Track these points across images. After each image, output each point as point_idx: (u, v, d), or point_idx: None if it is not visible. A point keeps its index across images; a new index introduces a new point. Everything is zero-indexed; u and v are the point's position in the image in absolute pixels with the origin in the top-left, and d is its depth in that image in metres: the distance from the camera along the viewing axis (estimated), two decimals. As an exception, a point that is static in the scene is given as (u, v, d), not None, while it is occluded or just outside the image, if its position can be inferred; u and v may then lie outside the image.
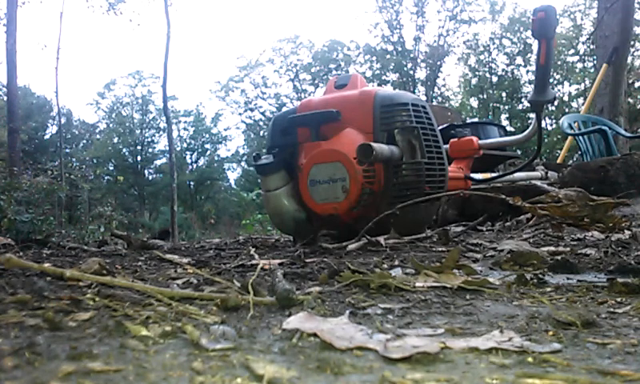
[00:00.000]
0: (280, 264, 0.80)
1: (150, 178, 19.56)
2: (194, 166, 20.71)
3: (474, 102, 24.37)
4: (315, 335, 0.40)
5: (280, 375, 0.32)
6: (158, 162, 19.49)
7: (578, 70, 22.64)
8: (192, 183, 19.17)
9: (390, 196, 1.13)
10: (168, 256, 0.87)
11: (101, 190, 16.03)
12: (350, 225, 1.15)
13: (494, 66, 24.15)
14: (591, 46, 15.54)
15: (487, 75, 24.10)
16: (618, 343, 0.40)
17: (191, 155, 21.12)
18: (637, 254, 0.88)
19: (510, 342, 0.39)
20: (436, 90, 23.02)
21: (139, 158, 19.19)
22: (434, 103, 16.31)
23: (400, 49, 21.83)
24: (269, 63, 19.78)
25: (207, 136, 21.52)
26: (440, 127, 1.31)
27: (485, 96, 23.60)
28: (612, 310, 0.51)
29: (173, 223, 6.92)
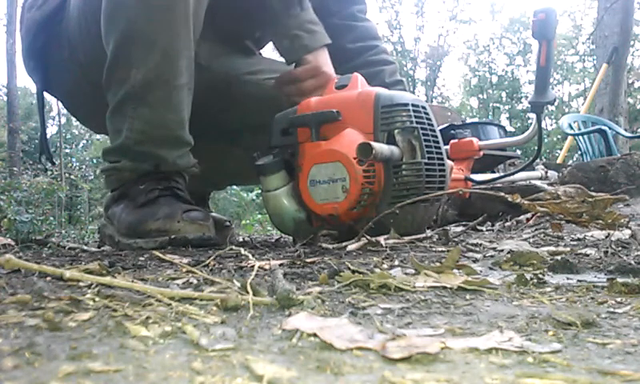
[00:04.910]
0: (280, 264, 0.80)
1: (150, 177, 19.51)
2: (194, 166, 20.67)
3: (474, 102, 24.34)
4: (315, 335, 0.40)
5: (280, 375, 0.32)
6: (157, 162, 19.44)
7: (577, 70, 22.61)
8: (192, 183, 19.13)
9: (390, 196, 1.13)
10: (168, 256, 0.87)
11: (101, 190, 15.99)
12: (349, 225, 1.15)
13: (493, 66, 24.12)
14: (591, 46, 15.55)
15: (487, 75, 24.06)
16: (618, 343, 0.40)
17: (191, 155, 21.10)
18: (637, 254, 0.88)
19: (510, 342, 0.39)
20: (436, 89, 23.00)
21: (139, 158, 19.15)
22: (434, 103, 16.32)
23: (400, 49, 21.80)
24: (269, 63, 19.77)
25: (207, 136, 21.50)
26: (440, 127, 1.31)
27: (485, 96, 23.57)
28: (612, 309, 0.51)
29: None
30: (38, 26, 1.45)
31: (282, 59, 1.45)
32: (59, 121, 12.35)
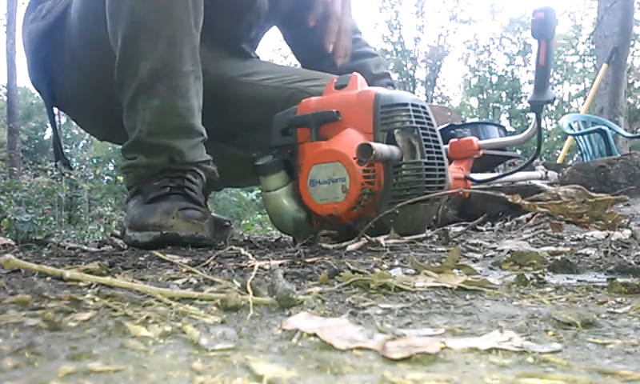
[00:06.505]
0: (280, 264, 0.80)
1: (150, 177, 19.51)
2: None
3: (474, 102, 24.34)
4: (315, 335, 0.40)
5: (280, 375, 0.32)
6: (158, 162, 19.45)
7: (577, 70, 22.61)
8: (192, 183, 19.14)
9: (389, 196, 1.13)
10: (168, 256, 0.87)
11: (101, 190, 16.01)
12: (349, 225, 1.15)
13: (493, 66, 24.12)
14: (591, 46, 15.54)
15: (487, 75, 24.05)
16: (618, 343, 0.40)
17: (191, 155, 21.09)
18: (637, 254, 0.88)
19: (510, 342, 0.39)
20: (436, 89, 23.00)
21: (139, 157, 19.15)
22: (434, 103, 16.31)
23: (400, 49, 21.80)
24: (269, 63, 19.78)
25: (207, 136, 21.51)
26: (440, 127, 1.31)
27: (485, 96, 23.57)
28: (612, 310, 0.51)
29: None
30: (42, 35, 1.45)
31: (282, 62, 1.48)
32: (59, 121, 12.35)
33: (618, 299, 0.56)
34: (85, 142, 21.40)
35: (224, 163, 1.47)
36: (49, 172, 8.64)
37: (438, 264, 0.75)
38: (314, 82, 1.52)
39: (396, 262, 0.83)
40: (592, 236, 1.17)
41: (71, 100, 1.57)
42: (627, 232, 1.10)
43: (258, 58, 1.70)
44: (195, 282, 0.65)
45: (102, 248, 1.39)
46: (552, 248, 0.99)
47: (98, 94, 1.43)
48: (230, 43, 1.57)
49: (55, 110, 1.63)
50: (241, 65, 1.56)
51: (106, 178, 17.96)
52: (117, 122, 1.35)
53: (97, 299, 0.51)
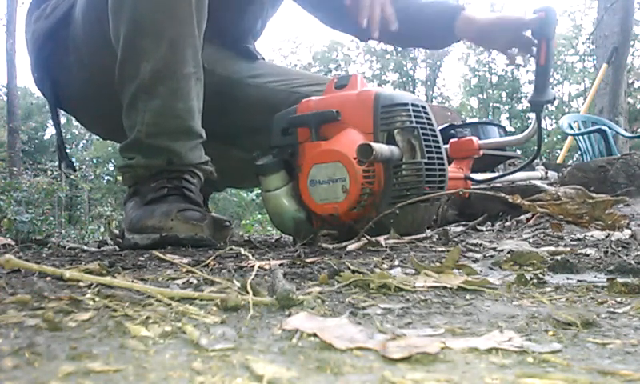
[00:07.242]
0: (280, 264, 0.80)
1: (150, 177, 19.54)
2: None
3: (474, 102, 24.34)
4: (315, 335, 0.40)
5: (280, 375, 0.32)
6: (158, 162, 19.47)
7: (577, 70, 22.60)
8: (192, 183, 19.16)
9: (389, 196, 1.13)
10: (168, 256, 0.87)
11: (101, 190, 16.02)
12: (349, 225, 1.15)
13: (493, 66, 24.11)
14: (591, 46, 15.54)
15: (487, 75, 24.04)
16: (618, 343, 0.40)
17: (191, 155, 21.08)
18: (637, 254, 0.88)
19: (510, 342, 0.39)
20: (436, 89, 22.99)
21: (139, 157, 19.17)
22: (434, 103, 16.31)
23: (400, 48, 21.81)
24: (269, 63, 19.81)
25: (207, 136, 21.51)
26: (440, 127, 1.31)
27: (485, 96, 23.57)
28: (612, 309, 0.51)
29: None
30: (46, 34, 1.45)
31: (282, 62, 1.48)
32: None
33: (618, 299, 0.56)
34: (85, 142, 21.41)
35: (227, 164, 1.47)
36: (49, 172, 8.64)
37: (438, 264, 0.75)
38: (318, 87, 1.53)
39: (396, 262, 0.83)
40: (592, 236, 1.17)
41: (75, 99, 1.57)
42: (627, 232, 1.10)
43: (263, 58, 1.70)
44: (195, 281, 0.65)
45: (102, 248, 1.39)
46: (552, 248, 0.99)
47: (102, 93, 1.43)
48: (236, 42, 1.57)
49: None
50: (247, 66, 1.56)
51: (106, 178, 17.96)
52: (121, 122, 1.35)
53: (97, 299, 0.51)
